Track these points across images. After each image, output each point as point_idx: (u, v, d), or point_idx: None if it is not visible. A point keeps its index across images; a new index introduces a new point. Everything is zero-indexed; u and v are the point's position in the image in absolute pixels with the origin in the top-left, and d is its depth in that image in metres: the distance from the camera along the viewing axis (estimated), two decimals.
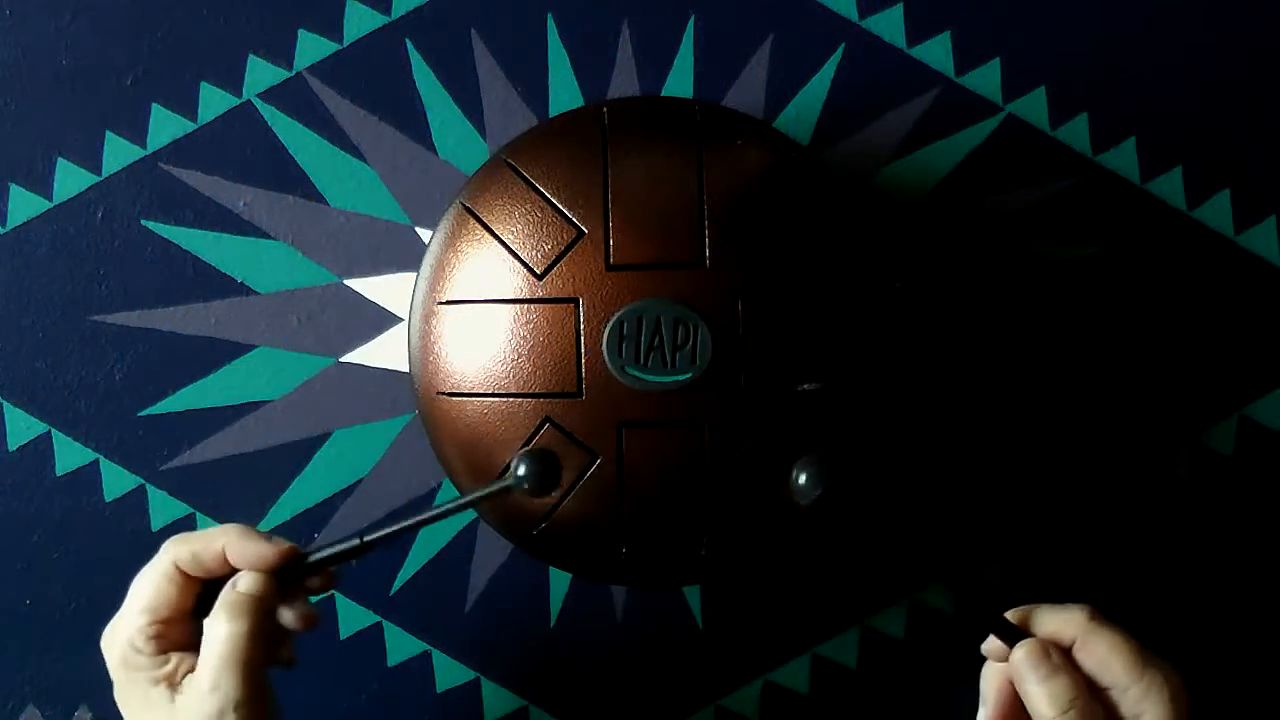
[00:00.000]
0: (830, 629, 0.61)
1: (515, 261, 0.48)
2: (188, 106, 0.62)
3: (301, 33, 0.62)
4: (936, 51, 0.62)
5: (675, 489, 0.48)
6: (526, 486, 0.47)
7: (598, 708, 0.61)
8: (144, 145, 0.62)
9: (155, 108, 0.62)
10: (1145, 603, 0.61)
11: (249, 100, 0.62)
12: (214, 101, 0.62)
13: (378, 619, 0.62)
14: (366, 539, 0.47)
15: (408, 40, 0.62)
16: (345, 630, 0.61)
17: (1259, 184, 0.62)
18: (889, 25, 0.62)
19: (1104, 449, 0.61)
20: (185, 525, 0.61)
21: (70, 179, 0.62)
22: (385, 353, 0.61)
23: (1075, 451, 0.61)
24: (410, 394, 0.53)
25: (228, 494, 0.61)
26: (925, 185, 0.62)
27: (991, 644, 0.47)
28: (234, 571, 0.47)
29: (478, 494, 0.47)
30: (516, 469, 0.47)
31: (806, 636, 0.62)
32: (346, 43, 0.62)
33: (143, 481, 0.62)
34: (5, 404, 0.62)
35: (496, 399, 0.48)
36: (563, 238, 0.48)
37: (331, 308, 0.62)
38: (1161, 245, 0.62)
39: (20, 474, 0.62)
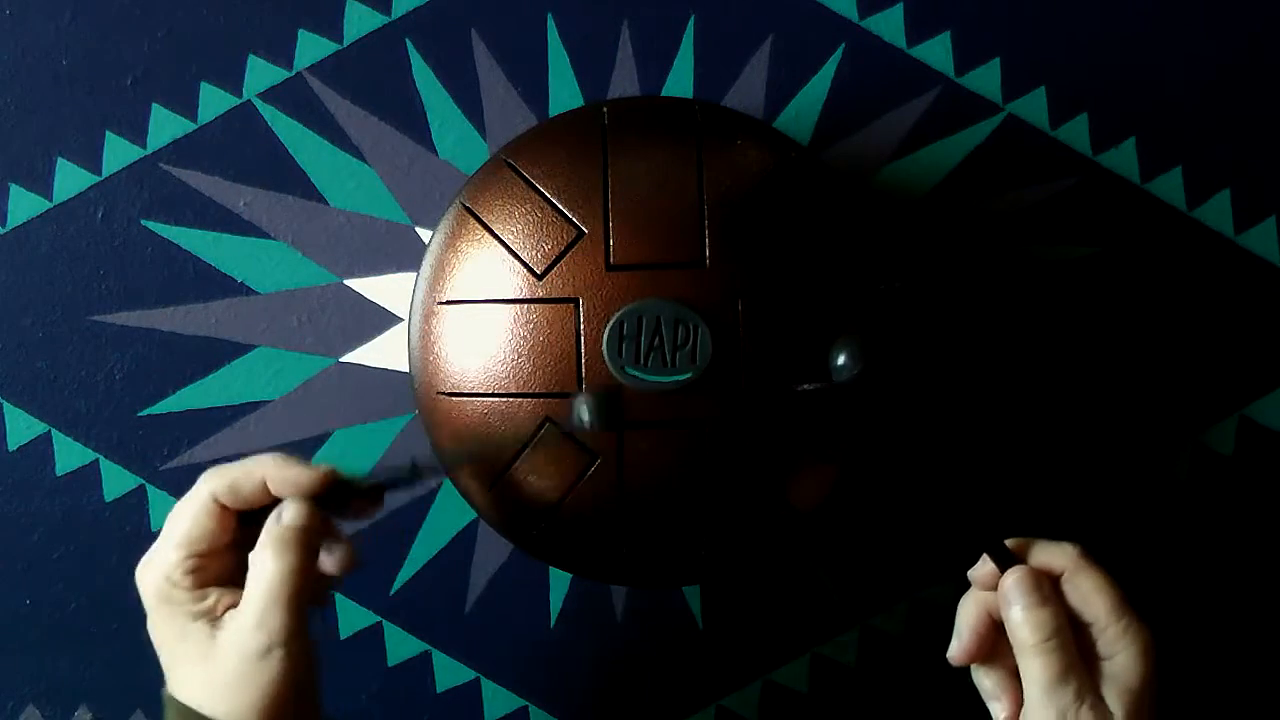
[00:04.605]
0: (830, 629, 0.61)
1: (515, 261, 0.48)
2: (188, 106, 0.62)
3: (301, 33, 0.62)
4: (936, 51, 0.62)
5: (675, 489, 0.48)
6: (590, 427, 0.46)
7: (598, 708, 0.61)
8: (144, 145, 0.62)
9: (155, 108, 0.62)
10: (1145, 602, 0.61)
11: (249, 100, 0.62)
12: (214, 101, 0.62)
13: (378, 619, 0.62)
14: (418, 463, 0.46)
15: (408, 40, 0.62)
16: (345, 630, 0.61)
17: (1259, 184, 0.62)
18: (889, 25, 0.62)
19: (1104, 449, 0.61)
20: None
21: (70, 179, 0.62)
22: (385, 353, 0.61)
23: (1075, 451, 0.61)
24: (410, 394, 0.53)
25: None
26: (925, 185, 0.62)
27: (980, 569, 0.47)
28: (274, 502, 0.45)
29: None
30: (579, 412, 0.45)
31: (806, 636, 0.62)
32: (346, 43, 0.62)
33: (143, 481, 0.62)
34: (5, 404, 0.62)
35: (496, 399, 0.48)
36: (563, 238, 0.48)
37: (331, 308, 0.62)
38: (1161, 245, 0.62)
39: (20, 474, 0.62)
